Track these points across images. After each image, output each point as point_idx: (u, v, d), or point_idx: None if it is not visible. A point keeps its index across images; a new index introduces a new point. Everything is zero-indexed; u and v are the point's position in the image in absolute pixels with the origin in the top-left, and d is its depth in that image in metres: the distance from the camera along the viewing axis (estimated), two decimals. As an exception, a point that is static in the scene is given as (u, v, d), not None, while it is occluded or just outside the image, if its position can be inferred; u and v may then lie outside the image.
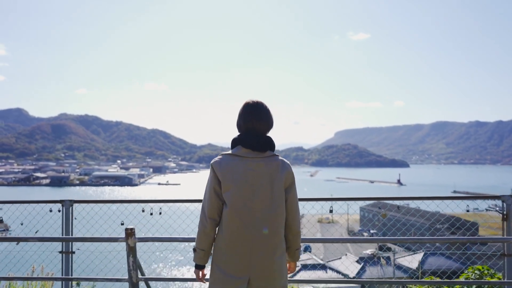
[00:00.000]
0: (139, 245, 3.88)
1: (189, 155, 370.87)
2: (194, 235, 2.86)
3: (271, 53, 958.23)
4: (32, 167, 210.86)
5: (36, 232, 5.22)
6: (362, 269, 28.90)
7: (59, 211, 5.12)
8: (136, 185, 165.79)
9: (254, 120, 2.76)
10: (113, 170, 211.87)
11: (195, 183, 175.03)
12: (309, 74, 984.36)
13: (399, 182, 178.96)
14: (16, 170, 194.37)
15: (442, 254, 36.29)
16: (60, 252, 5.13)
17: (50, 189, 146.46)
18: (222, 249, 2.68)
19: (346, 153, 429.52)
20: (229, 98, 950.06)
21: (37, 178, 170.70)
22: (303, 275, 26.64)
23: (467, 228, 54.50)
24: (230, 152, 2.75)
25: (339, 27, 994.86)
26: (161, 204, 5.03)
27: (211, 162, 2.73)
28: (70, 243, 5.16)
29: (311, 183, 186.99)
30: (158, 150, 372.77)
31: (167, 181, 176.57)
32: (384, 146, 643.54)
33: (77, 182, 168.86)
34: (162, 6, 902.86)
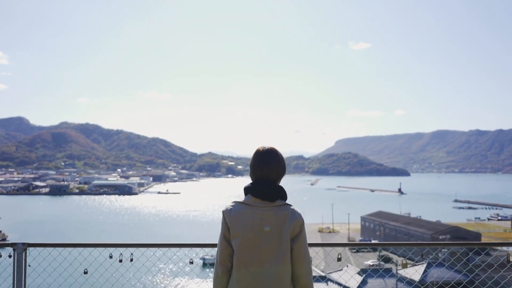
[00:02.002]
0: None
1: (189, 164, 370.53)
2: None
3: (271, 62, 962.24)
4: (32, 176, 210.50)
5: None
6: (364, 282, 28.32)
7: (9, 256, 4.21)
8: (136, 194, 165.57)
9: (264, 168, 2.75)
10: (113, 178, 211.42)
11: (195, 192, 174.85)
12: (310, 83, 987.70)
13: (400, 191, 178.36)
14: (16, 179, 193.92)
15: (444, 265, 35.55)
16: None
17: (49, 198, 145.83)
18: None
19: (347, 161, 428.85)
20: (230, 107, 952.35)
21: (37, 187, 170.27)
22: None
23: (470, 237, 53.71)
24: (241, 200, 2.76)
25: (340, 36, 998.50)
26: (133, 249, 4.32)
27: (223, 209, 2.76)
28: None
29: (311, 192, 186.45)
30: (158, 159, 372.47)
31: (167, 190, 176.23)
32: (385, 154, 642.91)
33: (77, 191, 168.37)
34: (165, 15, 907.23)
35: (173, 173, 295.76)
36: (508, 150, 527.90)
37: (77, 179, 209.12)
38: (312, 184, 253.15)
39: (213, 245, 4.15)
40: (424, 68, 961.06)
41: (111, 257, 4.26)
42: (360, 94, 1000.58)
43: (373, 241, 63.30)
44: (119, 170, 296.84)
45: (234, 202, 2.75)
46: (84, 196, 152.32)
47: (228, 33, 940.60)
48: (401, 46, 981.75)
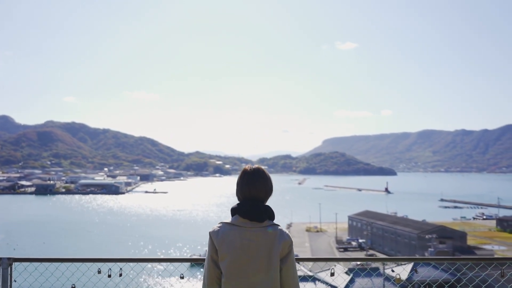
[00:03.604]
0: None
1: (176, 163, 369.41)
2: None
3: (259, 63, 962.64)
4: (18, 175, 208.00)
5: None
6: (351, 281, 28.54)
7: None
8: (123, 193, 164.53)
9: (252, 188, 2.72)
10: (100, 178, 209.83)
11: (183, 191, 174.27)
12: (298, 84, 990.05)
13: (386, 190, 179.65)
14: (1, 178, 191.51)
15: (430, 264, 35.87)
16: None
17: (35, 198, 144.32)
18: None
19: (334, 161, 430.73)
20: (218, 107, 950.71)
21: (22, 186, 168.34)
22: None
23: (456, 237, 54.32)
24: (229, 220, 2.71)
25: (327, 36, 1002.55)
26: (122, 264, 4.18)
27: (210, 230, 2.70)
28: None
29: (299, 191, 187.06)
30: (145, 158, 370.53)
31: (155, 189, 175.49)
32: (372, 154, 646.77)
33: (63, 190, 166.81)
34: (152, 15, 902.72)
35: (160, 172, 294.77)
36: (493, 150, 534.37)
37: (64, 178, 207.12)
38: (299, 184, 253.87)
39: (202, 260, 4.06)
40: (410, 68, 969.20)
41: (99, 272, 4.14)
42: (347, 94, 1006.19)
43: (360, 241, 63.73)
44: (106, 169, 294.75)
45: (221, 223, 2.70)
46: (70, 196, 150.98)
47: (217, 35, 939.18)
48: (388, 47, 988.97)
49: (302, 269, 29.09)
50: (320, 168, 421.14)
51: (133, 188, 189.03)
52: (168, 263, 4.34)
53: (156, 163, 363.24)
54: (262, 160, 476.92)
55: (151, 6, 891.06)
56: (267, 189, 2.75)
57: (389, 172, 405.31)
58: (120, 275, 4.16)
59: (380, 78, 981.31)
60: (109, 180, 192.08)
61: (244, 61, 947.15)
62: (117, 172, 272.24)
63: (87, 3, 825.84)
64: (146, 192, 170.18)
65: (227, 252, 2.57)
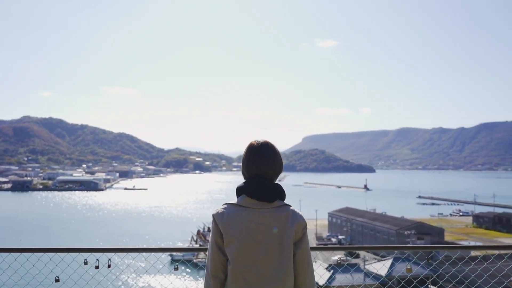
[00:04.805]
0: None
1: (156, 160, 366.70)
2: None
3: (239, 60, 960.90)
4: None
5: None
6: (331, 277, 28.75)
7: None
8: (102, 190, 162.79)
9: (260, 164, 2.42)
10: (78, 174, 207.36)
11: (162, 188, 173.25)
12: (278, 81, 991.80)
13: (365, 187, 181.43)
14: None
15: (409, 260, 36.33)
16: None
17: (11, 194, 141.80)
18: None
19: (314, 158, 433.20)
20: (198, 103, 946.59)
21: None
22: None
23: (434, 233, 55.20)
24: (234, 201, 2.39)
25: (307, 34, 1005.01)
26: (111, 254, 3.77)
27: (213, 213, 2.38)
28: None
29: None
30: (124, 154, 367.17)
31: (134, 186, 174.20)
32: (351, 151, 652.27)
33: (41, 186, 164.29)
34: (132, 11, 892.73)
35: (139, 169, 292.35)
36: (469, 147, 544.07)
37: (41, 174, 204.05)
38: (279, 181, 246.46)
39: (193, 249, 3.85)
40: (390, 66, 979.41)
41: (86, 263, 3.79)
42: (327, 92, 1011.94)
43: (340, 237, 64.26)
44: (84, 165, 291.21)
45: (226, 204, 2.40)
46: (48, 192, 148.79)
47: (197, 32, 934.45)
48: (368, 45, 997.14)
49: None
50: (300, 165, 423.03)
51: (112, 185, 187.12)
52: (161, 253, 4.11)
53: (136, 159, 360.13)
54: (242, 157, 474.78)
55: (131, 2, 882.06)
56: (277, 165, 2.48)
57: (368, 169, 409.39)
58: (109, 266, 3.81)
59: (359, 76, 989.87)
60: (88, 177, 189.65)
61: (224, 58, 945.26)
62: (96, 168, 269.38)
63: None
64: (126, 188, 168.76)
65: (234, 237, 2.27)
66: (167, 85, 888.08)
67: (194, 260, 42.17)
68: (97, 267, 3.84)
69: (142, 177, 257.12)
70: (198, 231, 57.67)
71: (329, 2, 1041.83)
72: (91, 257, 3.80)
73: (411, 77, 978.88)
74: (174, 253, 36.93)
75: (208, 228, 63.38)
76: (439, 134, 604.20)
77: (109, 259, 3.78)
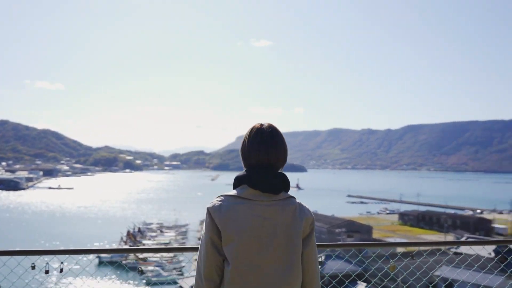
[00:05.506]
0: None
1: (84, 158, 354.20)
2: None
3: (174, 57, 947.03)
4: None
5: None
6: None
7: None
8: (24, 189, 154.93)
9: (270, 151, 2.06)
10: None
11: (90, 187, 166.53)
12: (212, 79, 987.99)
13: (297, 186, 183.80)
14: None
15: (341, 257, 36.45)
16: None
17: None
18: None
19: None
20: (128, 99, 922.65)
21: None
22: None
23: (363, 230, 56.20)
24: (233, 193, 2.04)
25: (242, 33, 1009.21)
26: (64, 257, 3.07)
27: (208, 206, 2.02)
28: None
29: (212, 187, 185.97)
30: (49, 152, 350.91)
31: (59, 185, 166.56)
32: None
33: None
34: (60, 3, 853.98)
35: (66, 167, 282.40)
36: (395, 148, 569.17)
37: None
38: (212, 180, 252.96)
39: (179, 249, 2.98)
40: (322, 68, 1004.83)
41: (33, 267, 3.08)
42: (261, 91, 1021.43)
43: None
44: (4, 163, 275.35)
45: (223, 196, 2.04)
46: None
47: (129, 26, 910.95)
48: (302, 45, 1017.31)
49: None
50: (234, 164, 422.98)
51: (35, 184, 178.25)
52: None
53: (61, 157, 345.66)
54: (175, 156, 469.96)
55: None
56: (285, 154, 2.13)
57: (300, 168, 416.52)
58: (61, 270, 3.07)
59: (293, 76, 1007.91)
60: (8, 175, 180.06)
61: (158, 55, 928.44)
62: (17, 166, 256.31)
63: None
64: (50, 188, 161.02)
65: (235, 233, 1.92)
66: (96, 81, 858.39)
67: (123, 262, 40.19)
68: (47, 272, 3.07)
69: (68, 176, 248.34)
70: (128, 231, 55.30)
71: (264, 1, 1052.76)
72: (40, 260, 3.16)
73: (342, 79, 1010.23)
74: (101, 255, 34.94)
75: (139, 228, 61.05)
76: (368, 135, 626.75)
77: (62, 263, 3.13)
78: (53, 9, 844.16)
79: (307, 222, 2.01)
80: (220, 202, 1.99)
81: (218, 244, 1.94)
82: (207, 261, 1.95)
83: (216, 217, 1.95)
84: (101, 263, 37.47)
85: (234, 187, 2.07)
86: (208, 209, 1.99)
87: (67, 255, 3.12)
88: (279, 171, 2.07)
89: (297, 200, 2.05)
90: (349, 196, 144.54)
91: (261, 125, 2.13)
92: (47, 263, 3.03)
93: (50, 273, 3.01)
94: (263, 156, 2.04)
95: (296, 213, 1.99)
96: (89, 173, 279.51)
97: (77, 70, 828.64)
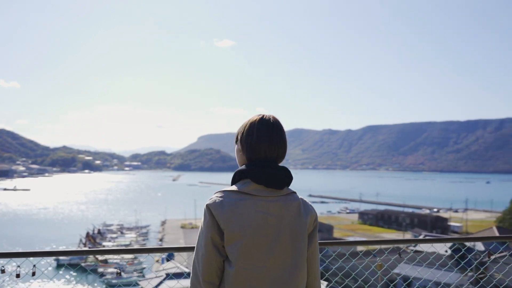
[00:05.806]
0: None
1: (41, 158, 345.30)
2: None
3: (133, 56, 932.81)
4: None
5: None
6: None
7: None
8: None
9: (273, 144, 1.91)
10: None
11: (47, 188, 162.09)
12: (174, 79, 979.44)
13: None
14: None
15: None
16: None
17: None
18: None
19: (209, 157, 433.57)
20: (87, 99, 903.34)
21: None
22: (169, 283, 25.09)
23: (325, 229, 57.18)
24: (234, 188, 1.85)
25: (204, 33, 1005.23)
26: (37, 259, 2.91)
27: (207, 202, 1.83)
28: None
29: (173, 187, 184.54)
30: (4, 152, 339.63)
31: (15, 186, 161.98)
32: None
33: None
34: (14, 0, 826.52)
35: (22, 168, 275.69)
36: (355, 148, 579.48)
37: None
38: (174, 180, 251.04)
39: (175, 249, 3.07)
40: (283, 68, 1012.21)
41: (3, 271, 2.88)
42: (223, 91, 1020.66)
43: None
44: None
45: (223, 191, 1.85)
46: None
47: (89, 27, 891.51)
48: (264, 46, 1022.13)
49: (178, 266, 27.93)
50: (195, 165, 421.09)
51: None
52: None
53: (17, 158, 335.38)
54: (136, 156, 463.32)
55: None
56: (286, 146, 1.99)
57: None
58: (33, 274, 2.89)
59: (255, 77, 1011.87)
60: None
61: (117, 53, 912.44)
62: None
63: None
64: (5, 189, 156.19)
65: (240, 232, 1.76)
66: (52, 79, 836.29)
67: (82, 264, 39.50)
68: (18, 276, 2.90)
69: (24, 176, 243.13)
70: (87, 233, 54.22)
71: (228, 1, 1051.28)
72: (10, 264, 2.94)
73: (304, 79, 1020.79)
74: (60, 257, 34.26)
75: (99, 230, 59.93)
76: (328, 135, 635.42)
77: (34, 266, 2.91)
78: (10, 5, 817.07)
79: (312, 219, 1.90)
80: (221, 198, 1.81)
81: (219, 244, 1.79)
82: (207, 263, 1.79)
83: (217, 215, 1.78)
84: (59, 265, 36.76)
85: (233, 182, 1.90)
86: (208, 206, 1.81)
87: (24, 258, 2.93)
88: (283, 166, 1.95)
89: (299, 196, 1.94)
90: (310, 195, 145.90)
91: (264, 116, 1.98)
92: (3, 266, 2.88)
93: (5, 275, 2.86)
94: (273, 149, 1.91)
95: (301, 209, 1.88)
96: (46, 174, 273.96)
97: (33, 68, 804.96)
